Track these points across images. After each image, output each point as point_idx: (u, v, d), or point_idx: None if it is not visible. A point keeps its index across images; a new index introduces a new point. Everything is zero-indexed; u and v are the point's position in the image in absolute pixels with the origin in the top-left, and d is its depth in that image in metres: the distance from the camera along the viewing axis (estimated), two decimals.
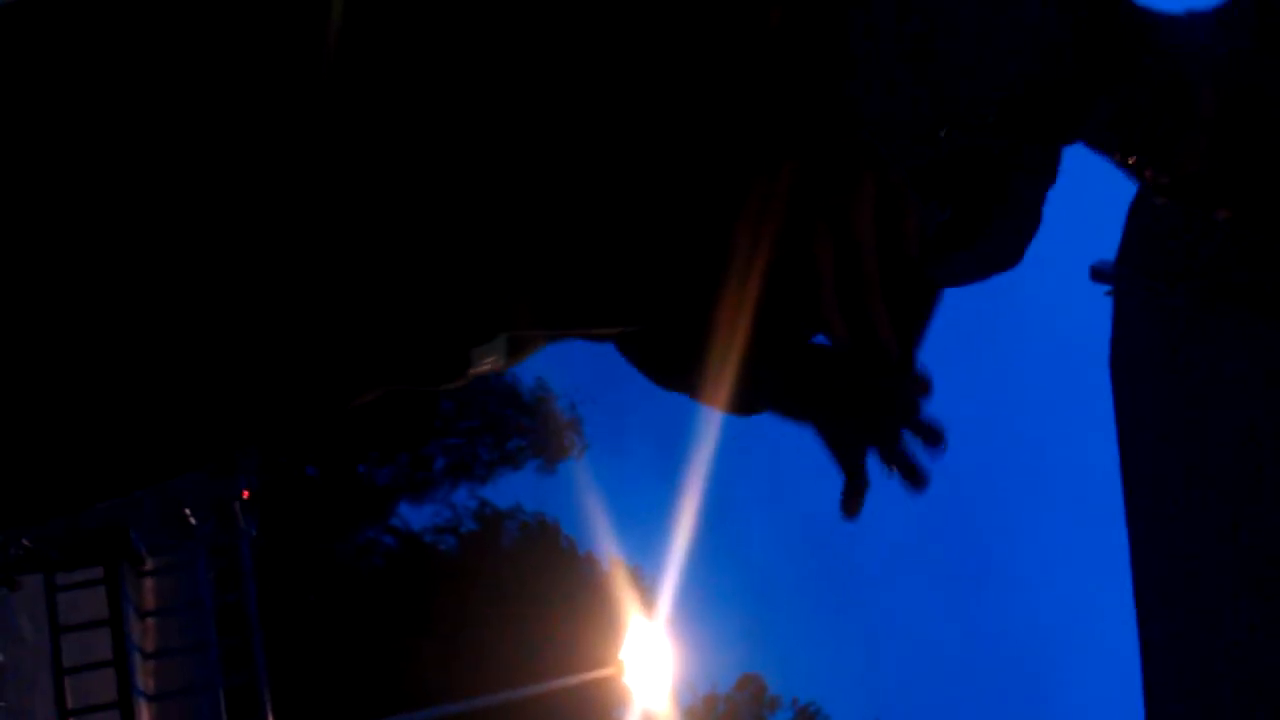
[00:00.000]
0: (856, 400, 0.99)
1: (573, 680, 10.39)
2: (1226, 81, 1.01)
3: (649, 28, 0.92)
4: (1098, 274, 9.46)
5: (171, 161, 0.87)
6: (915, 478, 0.94)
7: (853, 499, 0.96)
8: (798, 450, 1.06)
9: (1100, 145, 1.06)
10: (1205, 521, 7.92)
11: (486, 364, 1.00)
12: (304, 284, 0.90)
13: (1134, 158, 1.04)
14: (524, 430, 18.50)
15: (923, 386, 0.93)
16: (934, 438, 0.94)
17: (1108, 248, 9.11)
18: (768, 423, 1.11)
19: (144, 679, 6.46)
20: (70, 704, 5.67)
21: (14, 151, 0.85)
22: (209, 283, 0.88)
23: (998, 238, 1.07)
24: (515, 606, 15.51)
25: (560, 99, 0.91)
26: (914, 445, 0.94)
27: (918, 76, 0.96)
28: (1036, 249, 1.10)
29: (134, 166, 0.86)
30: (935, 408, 0.95)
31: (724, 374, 1.00)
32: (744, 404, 1.07)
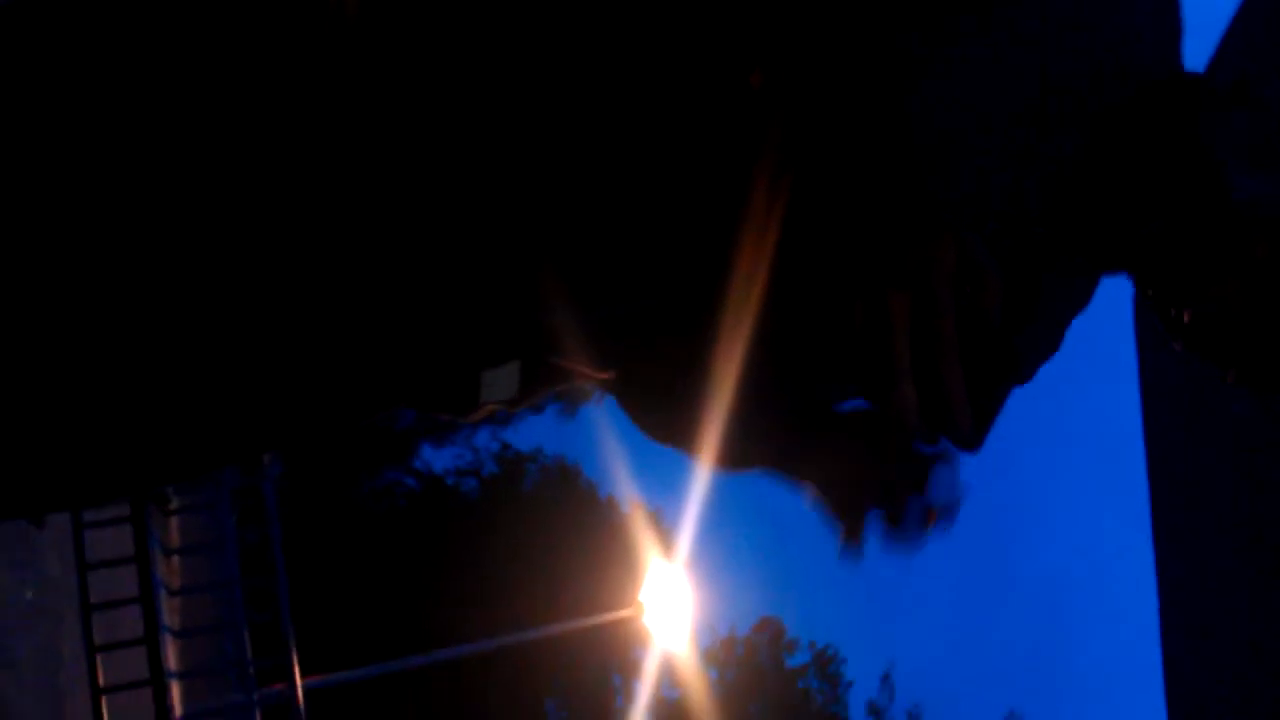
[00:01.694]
0: (867, 463, 0.97)
1: (592, 621, 10.49)
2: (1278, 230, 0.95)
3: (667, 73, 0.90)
4: None
5: (188, 171, 0.86)
6: (921, 533, 0.93)
7: (852, 551, 0.95)
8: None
9: (1134, 274, 1.02)
10: (1232, 513, 7.86)
11: (498, 395, 0.99)
12: (318, 303, 0.90)
13: (1161, 287, 0.99)
14: None
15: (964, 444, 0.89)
16: (947, 505, 0.92)
17: None
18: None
19: (170, 615, 6.55)
20: (98, 639, 5.76)
21: (25, 153, 0.85)
22: (218, 292, 0.88)
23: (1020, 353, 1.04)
24: (536, 548, 15.64)
25: (575, 123, 0.89)
26: (918, 510, 0.93)
27: (972, 167, 0.92)
28: None
29: (151, 179, 0.86)
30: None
31: (716, 420, 0.98)
32: (736, 457, 1.05)
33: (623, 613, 10.31)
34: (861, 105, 0.87)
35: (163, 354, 0.87)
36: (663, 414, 1.10)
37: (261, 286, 0.88)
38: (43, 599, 5.42)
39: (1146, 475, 9.40)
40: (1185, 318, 0.97)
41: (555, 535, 16.15)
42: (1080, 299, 1.05)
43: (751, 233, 0.89)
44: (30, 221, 0.84)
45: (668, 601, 10.03)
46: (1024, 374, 1.04)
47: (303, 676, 7.04)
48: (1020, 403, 0.84)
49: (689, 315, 0.95)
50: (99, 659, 5.77)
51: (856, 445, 0.97)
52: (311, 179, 0.87)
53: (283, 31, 0.88)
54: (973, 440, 0.82)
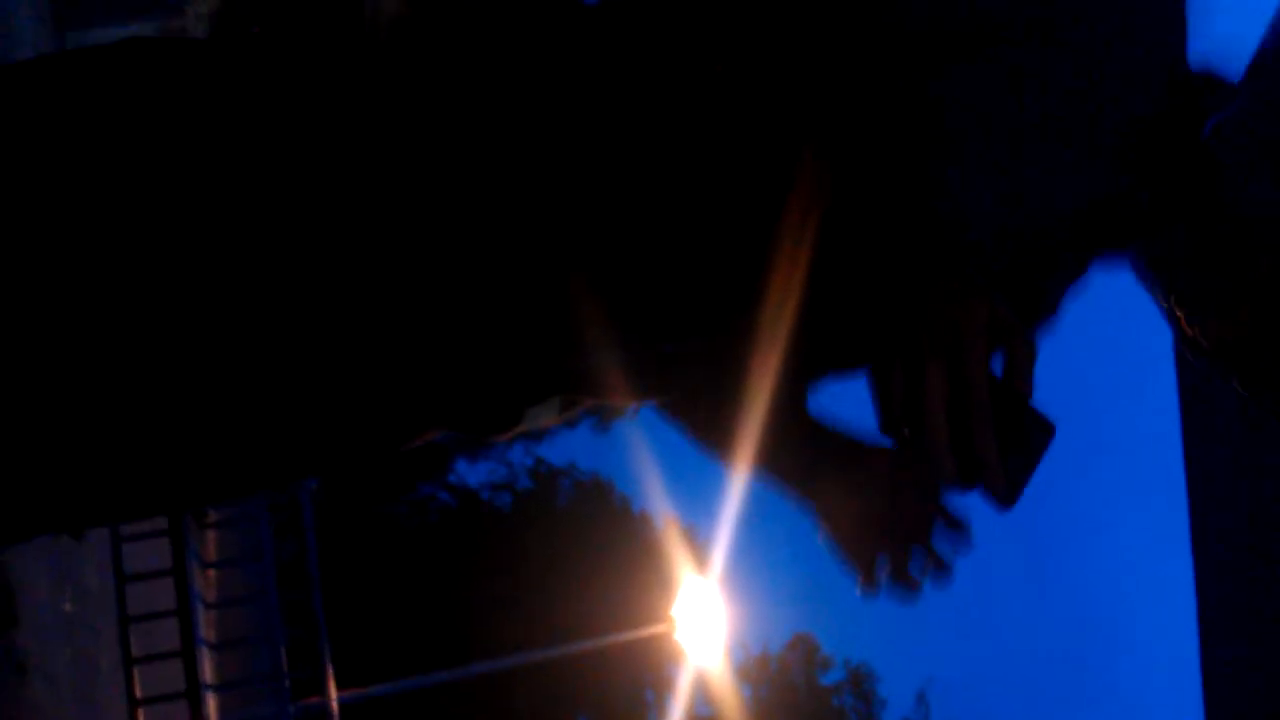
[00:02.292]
0: (879, 503, 1.00)
1: (626, 636, 10.47)
2: None
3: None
4: None
5: (239, 199, 0.87)
6: (941, 573, 1.00)
7: (869, 590, 1.01)
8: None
9: (1148, 281, 1.03)
10: (1271, 515, 7.75)
11: (538, 423, 1.02)
12: (364, 337, 0.91)
13: (1177, 304, 1.00)
14: None
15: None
16: (960, 533, 0.98)
17: None
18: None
19: (206, 629, 6.59)
20: (135, 651, 5.81)
21: (72, 176, 0.86)
22: (270, 321, 0.88)
23: None
24: (569, 563, 15.62)
25: (613, 167, 0.91)
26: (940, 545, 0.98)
27: (988, 179, 0.93)
28: None
29: (197, 209, 0.87)
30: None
31: (754, 410, 1.00)
32: (765, 454, 1.08)
33: (656, 628, 10.28)
34: (889, 141, 0.89)
35: (209, 376, 0.88)
36: (703, 411, 1.11)
37: (309, 321, 0.89)
38: (81, 611, 5.46)
39: (1185, 490, 9.30)
40: (1199, 336, 0.98)
41: (589, 550, 16.15)
42: (1076, 269, 1.06)
43: (784, 263, 0.92)
44: (73, 247, 0.84)
45: (701, 617, 9.98)
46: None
47: (338, 689, 7.06)
48: (1061, 416, 0.86)
49: (729, 327, 0.96)
50: (136, 671, 5.82)
51: (874, 481, 1.02)
52: (364, 206, 0.88)
53: (317, 60, 0.88)
54: (1007, 500, 0.87)
